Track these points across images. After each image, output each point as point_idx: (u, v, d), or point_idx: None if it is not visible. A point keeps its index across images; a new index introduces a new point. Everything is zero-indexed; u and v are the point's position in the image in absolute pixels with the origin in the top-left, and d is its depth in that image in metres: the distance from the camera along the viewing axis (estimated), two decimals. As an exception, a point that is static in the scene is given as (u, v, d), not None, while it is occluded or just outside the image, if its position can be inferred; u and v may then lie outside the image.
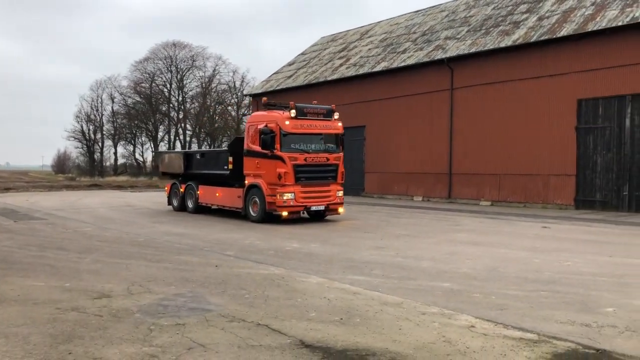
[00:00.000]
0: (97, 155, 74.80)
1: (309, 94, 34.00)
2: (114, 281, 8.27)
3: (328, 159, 16.78)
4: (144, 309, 6.68)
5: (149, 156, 72.32)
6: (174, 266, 9.57)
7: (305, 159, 16.24)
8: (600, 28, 20.80)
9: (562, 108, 22.00)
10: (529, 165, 23.04)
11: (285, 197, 15.90)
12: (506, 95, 23.96)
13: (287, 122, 15.98)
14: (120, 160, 74.86)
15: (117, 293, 7.51)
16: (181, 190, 20.61)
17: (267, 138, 15.83)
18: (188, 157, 20.77)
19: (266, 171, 16.25)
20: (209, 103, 68.89)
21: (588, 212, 20.30)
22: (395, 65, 28.89)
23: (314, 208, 16.63)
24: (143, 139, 72.57)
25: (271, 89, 37.46)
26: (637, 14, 20.13)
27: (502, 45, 24.00)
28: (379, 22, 37.74)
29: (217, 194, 18.70)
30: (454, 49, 26.47)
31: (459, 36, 27.69)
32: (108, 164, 75.48)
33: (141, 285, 7.95)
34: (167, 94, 69.77)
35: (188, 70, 69.10)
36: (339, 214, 17.39)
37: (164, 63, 67.99)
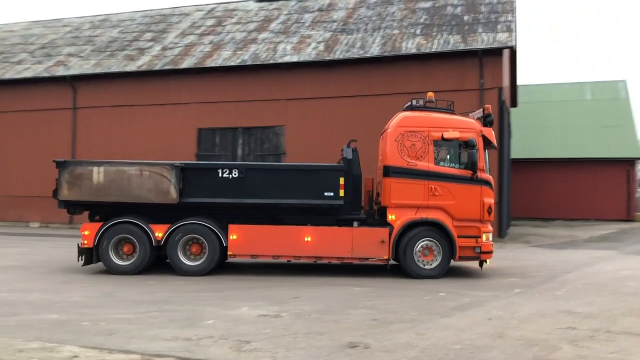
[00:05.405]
0: None
1: None
2: None
3: None
4: None
5: None
6: None
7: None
8: (216, 65, 23.05)
9: (184, 136, 23.37)
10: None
11: (490, 239, 11.59)
12: (134, 118, 24.09)
13: (493, 132, 11.95)
14: None
15: None
16: (157, 236, 11.48)
17: (475, 155, 11.30)
18: (191, 173, 11.41)
19: (457, 201, 11.40)
20: None
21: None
22: (8, 76, 26.00)
23: None
24: None
25: None
26: (245, 57, 23.05)
27: (128, 69, 24.21)
28: (-11, 26, 33.51)
29: (308, 239, 11.44)
30: (77, 67, 25.43)
31: (83, 54, 26.74)
32: None
33: None
34: None
35: None
36: None
37: None
